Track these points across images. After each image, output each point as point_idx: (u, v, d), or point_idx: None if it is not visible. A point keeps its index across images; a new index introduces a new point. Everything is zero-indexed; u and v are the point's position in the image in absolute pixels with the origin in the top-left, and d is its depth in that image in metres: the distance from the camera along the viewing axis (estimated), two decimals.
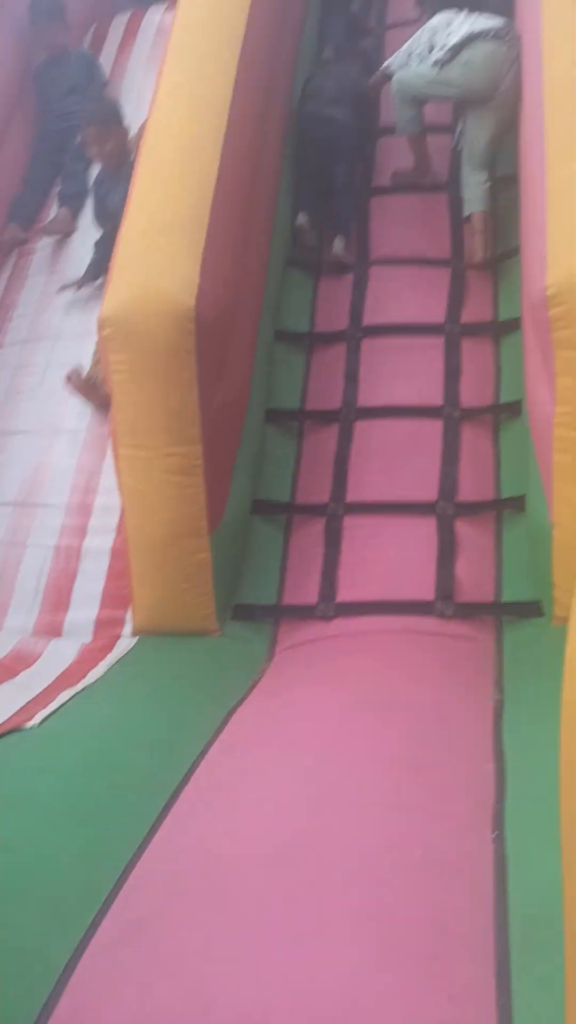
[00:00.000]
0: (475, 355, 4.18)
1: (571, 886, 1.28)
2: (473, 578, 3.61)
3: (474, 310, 4.31)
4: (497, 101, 4.25)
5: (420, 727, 2.83)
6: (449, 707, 3.03)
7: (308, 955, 1.89)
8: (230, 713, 3.00)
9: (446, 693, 3.12)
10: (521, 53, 4.17)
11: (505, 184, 4.53)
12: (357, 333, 4.29)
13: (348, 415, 4.07)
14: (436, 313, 4.29)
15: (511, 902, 2.08)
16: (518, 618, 3.49)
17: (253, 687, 3.26)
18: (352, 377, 4.17)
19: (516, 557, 3.66)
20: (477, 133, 4.36)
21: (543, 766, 1.86)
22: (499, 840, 2.29)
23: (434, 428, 3.96)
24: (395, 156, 4.89)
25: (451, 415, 3.97)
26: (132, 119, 4.45)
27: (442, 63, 4.27)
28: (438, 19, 4.41)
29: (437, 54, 4.29)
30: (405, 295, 4.39)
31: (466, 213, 4.44)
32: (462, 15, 4.33)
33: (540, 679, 2.86)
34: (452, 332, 4.22)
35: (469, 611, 3.52)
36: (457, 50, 4.24)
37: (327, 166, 4.64)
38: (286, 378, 4.29)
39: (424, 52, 4.37)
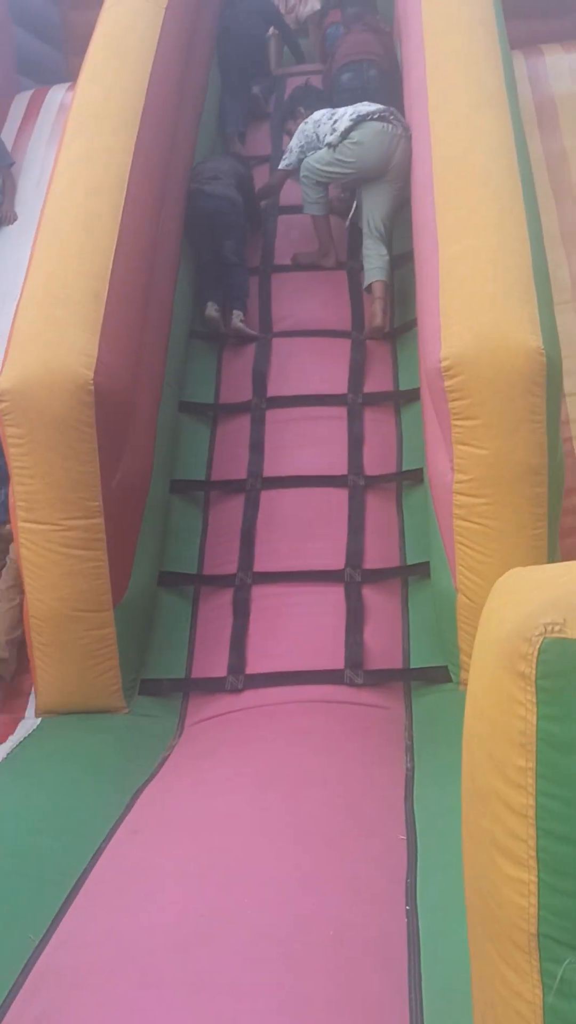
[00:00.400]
0: (377, 424, 4.25)
1: (476, 958, 1.26)
2: (381, 645, 3.62)
3: (375, 380, 4.40)
4: (390, 176, 4.52)
5: (332, 800, 2.80)
6: (361, 778, 3.00)
7: None
8: (137, 793, 2.92)
9: (358, 764, 3.10)
10: (406, 131, 4.47)
11: (401, 260, 4.69)
12: (262, 404, 4.33)
13: (254, 485, 4.08)
14: (339, 384, 4.36)
15: (424, 976, 2.04)
16: (427, 684, 3.49)
17: (162, 765, 3.18)
18: (257, 447, 4.19)
19: (423, 623, 3.68)
20: (374, 208, 4.59)
21: (452, 834, 1.84)
22: (412, 914, 2.26)
23: (340, 497, 3.99)
24: (295, 234, 5.01)
25: (356, 483, 4.01)
26: (33, 194, 4.48)
27: (334, 145, 4.55)
28: (319, 114, 4.74)
29: (329, 138, 4.57)
30: (308, 366, 4.46)
31: (367, 283, 4.57)
32: (342, 108, 4.68)
33: (448, 745, 2.85)
34: (354, 402, 4.28)
35: (378, 678, 3.51)
36: (346, 133, 4.53)
37: (217, 243, 4.75)
38: (191, 449, 4.28)
39: (315, 141, 4.66)
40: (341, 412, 4.27)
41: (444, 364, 3.05)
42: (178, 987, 1.97)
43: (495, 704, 1.13)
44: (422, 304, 3.59)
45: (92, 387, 3.12)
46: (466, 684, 3.21)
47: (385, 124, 4.51)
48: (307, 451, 4.18)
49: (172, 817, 2.75)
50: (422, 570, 3.75)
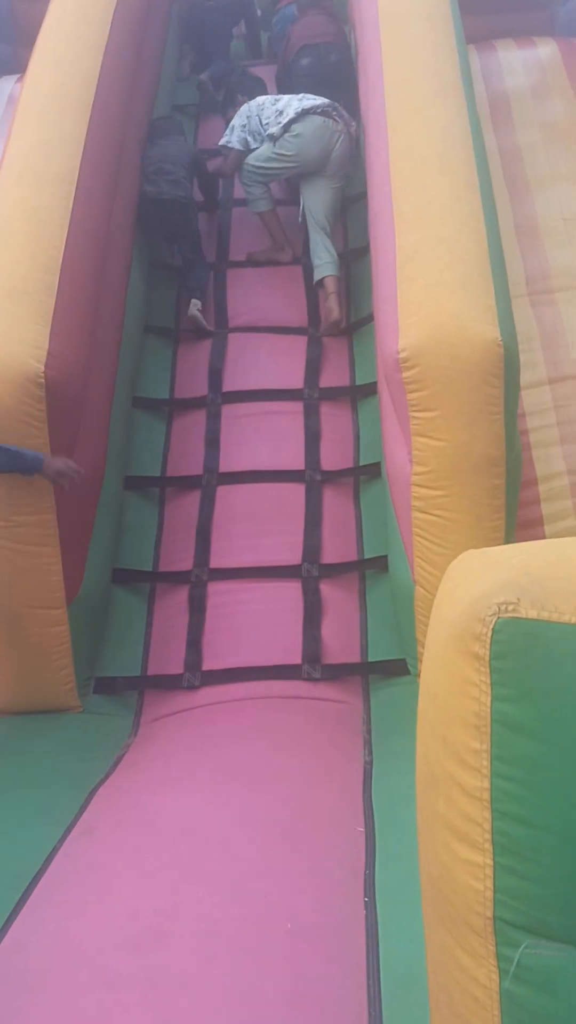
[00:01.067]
0: (334, 419, 4.23)
1: (432, 946, 1.24)
2: (339, 639, 3.60)
3: (332, 375, 4.38)
4: (329, 171, 4.59)
5: (289, 795, 2.77)
6: (319, 772, 2.98)
7: None
8: (92, 793, 2.88)
9: (316, 758, 3.08)
10: (348, 127, 4.59)
11: (357, 255, 4.67)
12: (217, 399, 4.29)
13: (210, 481, 4.04)
14: (295, 379, 4.33)
15: (383, 966, 2.03)
16: (385, 677, 3.48)
17: (117, 764, 3.14)
18: (213, 443, 4.15)
19: (380, 617, 3.67)
20: (316, 204, 4.63)
21: (410, 824, 1.83)
22: (370, 904, 2.24)
23: (296, 492, 3.97)
24: (250, 231, 4.98)
25: (313, 478, 3.99)
26: None
27: (276, 137, 4.60)
28: (262, 98, 4.79)
29: (272, 128, 4.61)
30: (264, 361, 4.43)
31: (317, 278, 4.57)
32: (288, 97, 4.72)
33: (406, 737, 2.83)
34: (311, 397, 4.26)
35: (336, 672, 3.49)
36: (288, 126, 4.58)
37: (174, 241, 4.80)
38: (146, 444, 4.23)
39: (259, 131, 4.68)
40: (297, 407, 4.25)
41: (402, 355, 3.03)
42: (132, 985, 1.94)
43: (449, 687, 1.11)
44: (379, 294, 3.57)
45: (43, 380, 3.06)
46: None
47: (327, 119, 4.58)
48: (263, 447, 4.15)
49: (126, 816, 2.71)
50: (379, 564, 3.74)
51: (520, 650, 1.04)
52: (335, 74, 4.99)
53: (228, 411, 4.27)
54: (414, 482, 3.13)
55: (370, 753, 3.12)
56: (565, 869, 1.02)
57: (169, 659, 3.61)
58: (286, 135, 4.57)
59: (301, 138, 4.56)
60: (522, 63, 5.41)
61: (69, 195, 3.52)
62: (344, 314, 4.53)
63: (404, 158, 3.57)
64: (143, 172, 4.71)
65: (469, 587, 1.12)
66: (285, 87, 5.19)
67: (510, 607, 1.05)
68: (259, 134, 4.69)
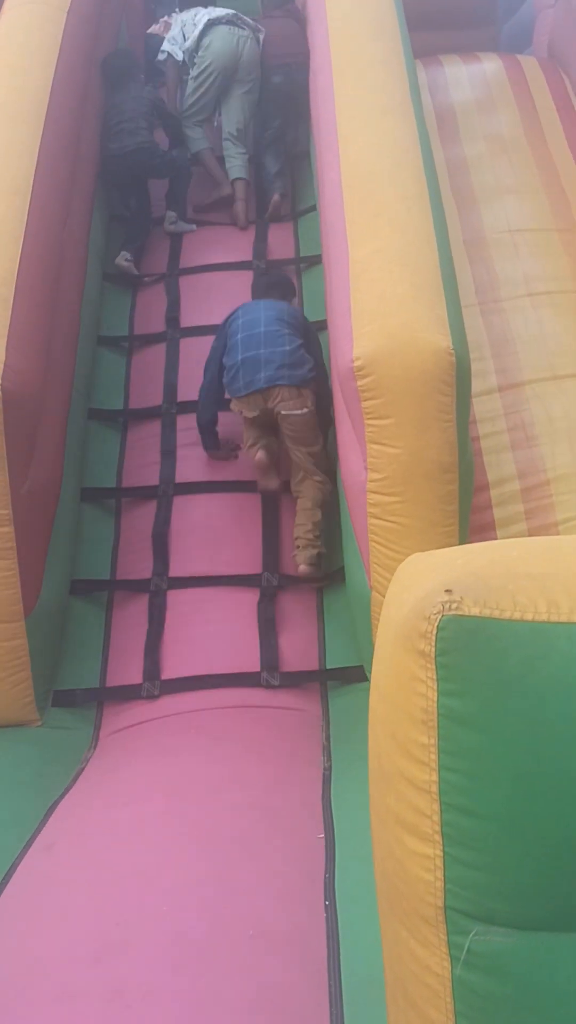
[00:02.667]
0: None
1: (388, 945, 1.27)
2: (297, 648, 3.62)
3: None
4: (240, 75, 5.20)
5: (249, 804, 2.79)
6: (278, 780, 3.00)
7: None
8: (52, 808, 2.87)
9: (275, 766, 3.10)
10: (254, 32, 5.24)
11: (310, 263, 4.73)
12: (172, 409, 4.30)
13: (166, 491, 4.05)
14: None
15: (344, 969, 2.05)
16: (342, 684, 3.51)
17: (77, 777, 3.12)
18: (169, 453, 4.16)
19: (338, 625, 3.70)
20: (231, 117, 5.21)
21: (366, 825, 1.85)
22: (331, 908, 2.27)
23: (253, 501, 3.99)
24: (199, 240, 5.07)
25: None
26: None
27: (191, 51, 5.23)
28: (186, 14, 5.38)
29: (187, 44, 5.24)
30: None
31: (231, 178, 5.14)
32: (203, 9, 5.31)
33: (363, 740, 2.86)
34: None
35: (295, 679, 3.52)
36: (199, 38, 5.20)
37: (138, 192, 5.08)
38: (101, 456, 4.23)
39: (180, 38, 5.30)
40: None
41: (356, 364, 3.07)
42: (92, 997, 1.94)
43: (397, 685, 1.14)
44: (332, 307, 3.62)
45: (0, 392, 3.06)
46: None
47: (232, 27, 5.17)
48: None
49: (86, 830, 2.71)
50: (337, 574, 3.78)
51: (464, 646, 1.08)
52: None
53: (184, 422, 4.28)
54: (370, 489, 3.17)
55: (329, 759, 3.14)
56: (511, 857, 1.05)
57: (128, 670, 3.61)
58: (199, 46, 5.17)
59: (211, 48, 5.14)
60: (468, 78, 5.51)
61: (23, 207, 3.52)
62: (252, 217, 5.09)
63: (355, 172, 3.62)
64: (104, 128, 4.97)
65: (415, 587, 1.15)
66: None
67: (453, 605, 1.08)
68: (182, 46, 5.28)
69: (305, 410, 3.69)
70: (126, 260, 4.88)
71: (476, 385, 4.18)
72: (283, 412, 3.69)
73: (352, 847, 2.49)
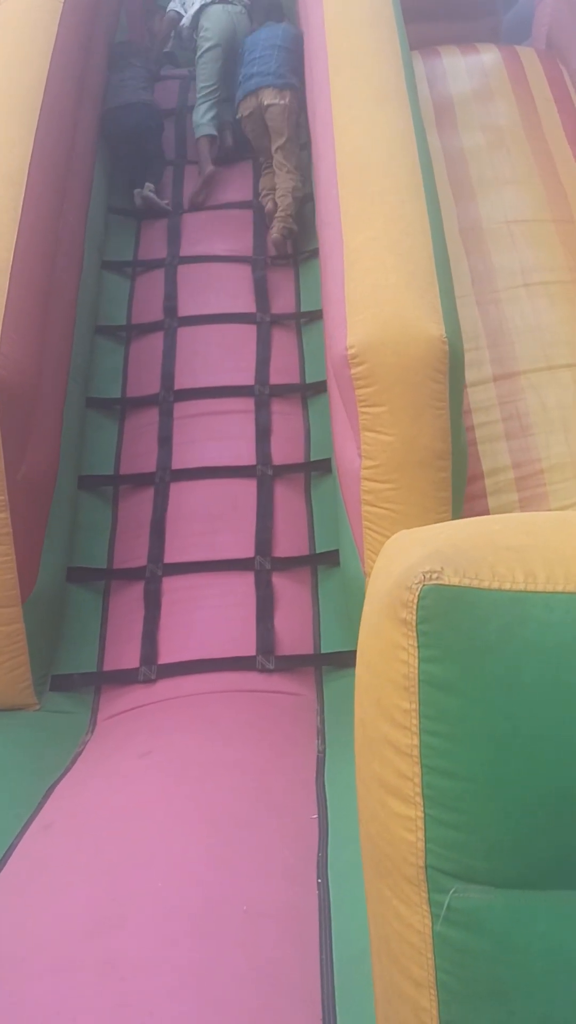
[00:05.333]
0: (284, 416, 4.29)
1: (374, 919, 1.31)
2: (293, 632, 3.66)
3: (282, 372, 4.45)
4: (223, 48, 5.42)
5: (244, 786, 2.83)
6: (273, 763, 3.04)
7: (130, 1020, 1.83)
8: (50, 790, 2.90)
9: (270, 750, 3.13)
10: (244, 6, 5.48)
11: (308, 256, 4.75)
12: (169, 397, 4.33)
13: (163, 478, 4.08)
14: (246, 375, 4.39)
15: (335, 945, 2.09)
16: (337, 668, 3.55)
17: (75, 761, 3.16)
18: (166, 440, 4.19)
19: (332, 610, 3.74)
20: (204, 75, 5.36)
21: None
22: (323, 886, 2.30)
23: (248, 487, 4.02)
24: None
25: (264, 473, 4.05)
26: None
27: (192, 28, 5.50)
28: None
29: (185, 21, 5.54)
30: (214, 358, 4.48)
31: (197, 136, 5.29)
32: None
33: None
34: (262, 393, 4.32)
35: (290, 663, 3.56)
36: (196, 17, 5.46)
37: (140, 147, 5.19)
38: (99, 444, 4.26)
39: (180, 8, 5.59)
40: (248, 404, 4.31)
41: (350, 352, 3.10)
42: (88, 969, 1.98)
43: (380, 652, 1.18)
44: (328, 296, 3.65)
45: None
46: None
47: (225, 5, 5.43)
48: (215, 443, 4.20)
49: (84, 810, 2.74)
50: (331, 559, 3.81)
51: (443, 614, 1.12)
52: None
53: (180, 409, 4.32)
54: (364, 476, 3.20)
55: (323, 742, 3.18)
56: (488, 816, 1.09)
57: (125, 655, 3.64)
58: (198, 32, 5.42)
59: (209, 28, 5.39)
60: (466, 69, 5.53)
61: (18, 196, 3.55)
62: (213, 170, 5.22)
63: (350, 162, 3.65)
64: (105, 100, 5.14)
65: (400, 560, 1.19)
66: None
67: (434, 575, 1.12)
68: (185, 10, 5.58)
69: (283, 102, 4.92)
70: (150, 190, 5.02)
71: (471, 375, 4.22)
72: (266, 103, 4.94)
73: (345, 827, 2.52)
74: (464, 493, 3.41)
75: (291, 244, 4.89)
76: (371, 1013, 1.69)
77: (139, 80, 5.24)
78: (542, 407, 4.21)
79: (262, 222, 5.01)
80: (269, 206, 4.92)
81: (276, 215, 4.82)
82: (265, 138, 5.03)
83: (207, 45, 5.35)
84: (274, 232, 4.81)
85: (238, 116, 5.12)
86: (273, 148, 4.95)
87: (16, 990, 1.94)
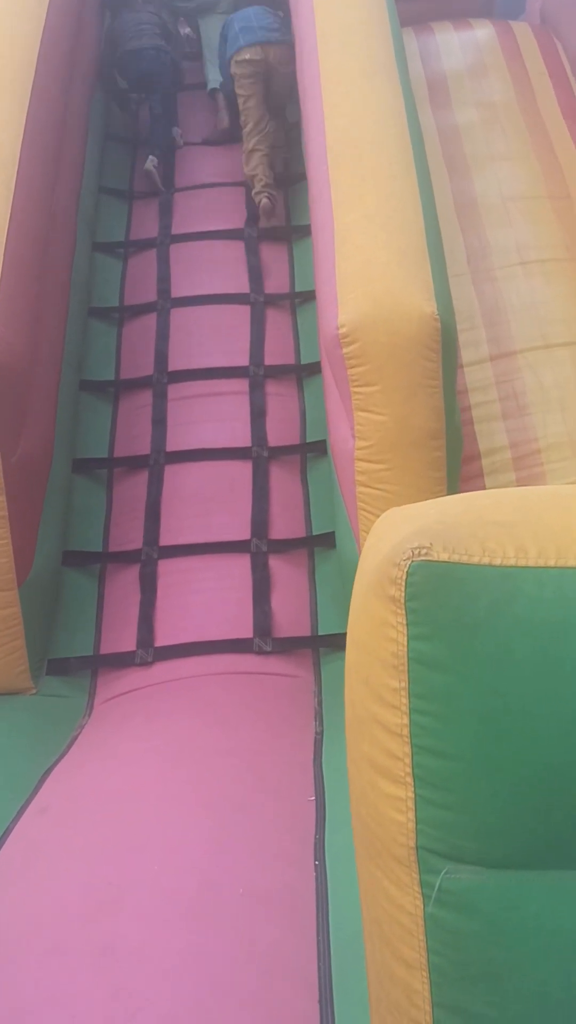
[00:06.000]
0: (280, 397, 4.27)
1: (366, 901, 1.30)
2: (289, 614, 3.65)
3: (276, 353, 4.41)
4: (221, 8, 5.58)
5: (241, 768, 2.82)
6: (270, 745, 3.03)
7: (126, 1002, 1.83)
8: (46, 773, 2.90)
9: (267, 732, 3.13)
10: None
11: (301, 235, 4.72)
12: (163, 379, 4.31)
13: (158, 460, 4.06)
14: (240, 356, 4.36)
15: (332, 927, 2.09)
16: (334, 650, 3.54)
17: (71, 744, 3.16)
18: (160, 422, 4.17)
19: (330, 593, 3.72)
20: (210, 35, 5.50)
21: None
22: (320, 868, 2.30)
23: (243, 469, 4.00)
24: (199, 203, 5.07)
25: (260, 455, 4.03)
26: None
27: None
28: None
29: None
30: (208, 339, 4.45)
31: (208, 88, 5.44)
32: None
33: None
34: (256, 374, 4.29)
35: (287, 645, 3.55)
36: None
37: (147, 94, 5.26)
38: (93, 427, 4.24)
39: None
40: (243, 385, 4.28)
41: (342, 331, 3.08)
42: (85, 951, 1.98)
43: (369, 631, 1.16)
44: (319, 275, 3.61)
45: None
46: None
47: None
48: (210, 425, 4.18)
49: (80, 794, 2.74)
50: (327, 540, 3.80)
51: (432, 590, 1.10)
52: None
53: (174, 391, 4.29)
54: (357, 456, 3.18)
55: (321, 724, 3.17)
56: (479, 796, 1.08)
57: (122, 638, 3.63)
58: None
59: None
60: (459, 44, 5.47)
61: (10, 179, 3.51)
62: (229, 123, 5.27)
63: (340, 139, 3.61)
64: (121, 36, 5.20)
65: (389, 538, 1.17)
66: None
67: (423, 551, 1.10)
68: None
69: (291, 70, 4.83)
70: (153, 166, 5.02)
71: (467, 354, 4.19)
72: (275, 62, 4.97)
73: (342, 808, 2.50)
74: (459, 472, 3.39)
75: (281, 205, 4.93)
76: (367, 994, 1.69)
77: (150, 19, 5.28)
78: (539, 386, 4.18)
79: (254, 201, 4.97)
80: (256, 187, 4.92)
81: (255, 188, 4.85)
82: (257, 89, 4.99)
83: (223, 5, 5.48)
84: (260, 200, 4.83)
85: (239, 59, 5.00)
86: (254, 121, 4.95)
87: (13, 972, 1.94)
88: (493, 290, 4.50)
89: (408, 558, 1.10)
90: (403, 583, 1.10)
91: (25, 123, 3.76)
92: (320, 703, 3.34)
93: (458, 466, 3.33)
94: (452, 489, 3.25)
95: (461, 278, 4.41)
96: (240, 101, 5.02)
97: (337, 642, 3.56)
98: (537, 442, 4.04)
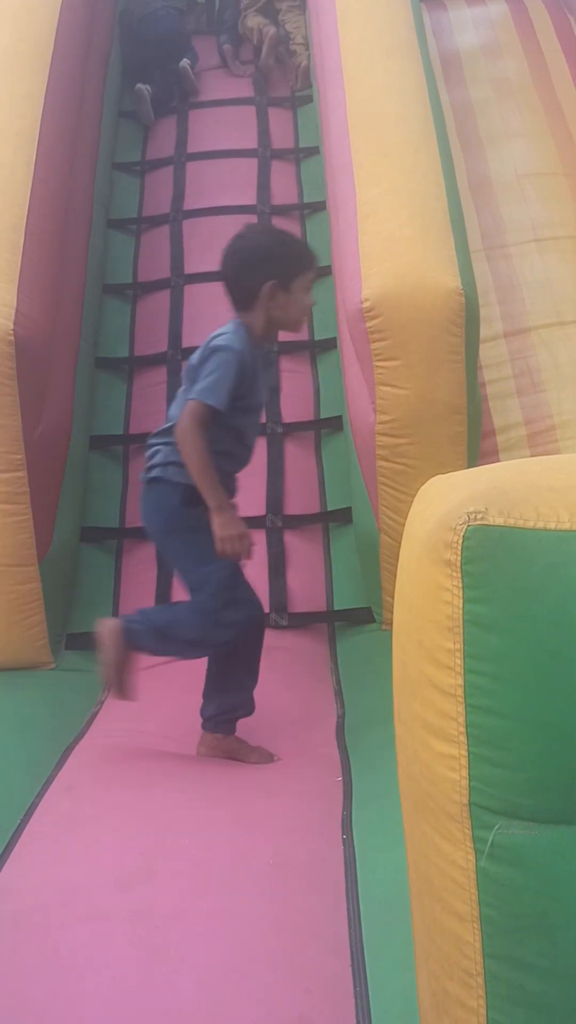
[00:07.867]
0: (293, 374, 4.27)
1: (412, 855, 1.32)
2: (305, 589, 3.67)
3: None
4: None
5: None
6: (293, 725, 3.06)
7: (163, 964, 1.86)
8: (68, 749, 2.92)
9: (288, 713, 3.15)
10: None
11: (313, 210, 4.70)
12: (177, 355, 4.31)
13: None
14: None
15: (362, 894, 2.12)
16: (351, 625, 3.56)
17: (92, 720, 3.18)
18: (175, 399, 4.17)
19: (345, 568, 3.74)
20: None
21: (385, 768, 1.92)
22: (348, 841, 2.33)
23: (258, 445, 3.98)
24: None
25: (274, 431, 4.04)
26: None
27: None
28: None
29: None
30: (222, 315, 4.42)
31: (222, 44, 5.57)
32: None
33: (374, 683, 2.93)
34: (270, 350, 4.29)
35: (303, 620, 3.57)
36: None
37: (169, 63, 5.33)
38: (108, 404, 4.25)
39: None
40: None
41: (365, 305, 3.08)
42: (120, 918, 2.01)
43: (423, 594, 1.18)
44: (339, 250, 3.62)
45: (12, 338, 3.06)
46: (389, 625, 3.31)
47: None
48: None
49: (106, 773, 2.75)
50: (343, 516, 3.81)
51: (489, 554, 1.12)
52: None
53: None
54: (378, 431, 3.19)
55: (342, 707, 3.19)
56: (533, 754, 1.10)
57: None
58: None
59: None
60: (472, 21, 5.45)
61: (31, 153, 3.51)
62: (273, 60, 5.46)
63: (362, 113, 3.60)
64: (134, 14, 5.33)
65: (440, 503, 1.19)
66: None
67: (479, 515, 1.12)
68: None
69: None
70: (147, 90, 5.16)
71: (482, 331, 4.14)
72: None
73: (368, 786, 2.55)
74: (479, 447, 3.40)
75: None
76: (400, 956, 1.72)
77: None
78: (554, 363, 4.20)
79: (267, 171, 4.94)
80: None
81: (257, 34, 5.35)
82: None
83: None
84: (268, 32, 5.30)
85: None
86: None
87: (50, 938, 1.97)
88: (507, 267, 4.50)
89: (464, 522, 1.12)
90: (459, 547, 1.12)
91: (45, 98, 3.76)
92: (338, 681, 3.36)
93: (478, 441, 3.35)
94: (472, 464, 3.26)
95: (476, 255, 4.40)
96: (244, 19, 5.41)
97: (353, 617, 3.58)
98: (552, 419, 4.05)
